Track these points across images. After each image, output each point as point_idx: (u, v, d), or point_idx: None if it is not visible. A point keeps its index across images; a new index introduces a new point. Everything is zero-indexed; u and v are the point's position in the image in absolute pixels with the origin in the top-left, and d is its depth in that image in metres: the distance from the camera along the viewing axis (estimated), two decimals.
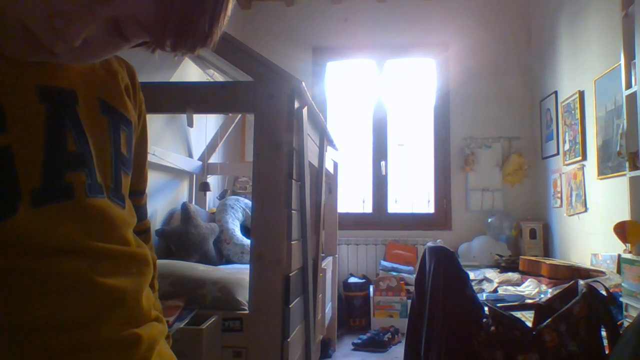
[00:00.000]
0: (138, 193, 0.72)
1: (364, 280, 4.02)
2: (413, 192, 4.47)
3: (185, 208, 2.92)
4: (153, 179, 2.89)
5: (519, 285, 2.81)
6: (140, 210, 0.73)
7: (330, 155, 3.00)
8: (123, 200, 0.61)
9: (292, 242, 1.75)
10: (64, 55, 0.50)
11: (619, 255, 2.46)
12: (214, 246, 2.94)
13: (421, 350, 1.85)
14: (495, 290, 2.74)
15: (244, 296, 1.86)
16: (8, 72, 0.50)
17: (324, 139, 2.65)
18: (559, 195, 3.59)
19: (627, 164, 2.20)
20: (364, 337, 3.42)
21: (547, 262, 2.93)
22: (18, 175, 0.48)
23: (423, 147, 4.45)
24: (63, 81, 0.55)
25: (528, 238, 3.87)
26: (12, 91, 0.50)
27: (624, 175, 2.30)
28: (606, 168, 2.81)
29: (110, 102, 0.60)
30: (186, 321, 1.65)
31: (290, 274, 1.73)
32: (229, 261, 3.01)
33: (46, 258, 0.49)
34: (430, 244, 1.96)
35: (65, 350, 0.50)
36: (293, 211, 1.75)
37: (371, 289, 3.86)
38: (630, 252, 1.96)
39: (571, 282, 1.69)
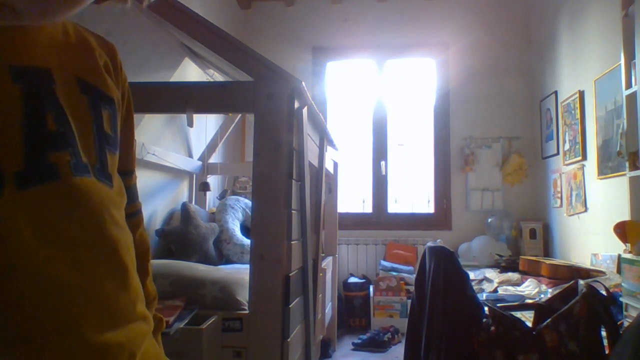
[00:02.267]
0: (127, 173, 0.71)
1: (364, 280, 4.02)
2: (413, 192, 4.47)
3: (185, 208, 2.92)
4: (153, 178, 2.89)
5: (519, 285, 2.81)
6: (130, 191, 0.71)
7: (330, 155, 3.00)
8: (110, 180, 0.59)
9: (292, 242, 1.75)
10: (26, 10, 0.47)
11: (619, 255, 2.46)
12: (214, 246, 2.94)
13: (421, 350, 1.85)
14: (495, 290, 2.74)
15: (244, 296, 1.86)
16: None
17: (324, 139, 2.65)
18: (559, 195, 3.59)
19: (627, 164, 2.20)
20: (364, 337, 3.42)
21: (547, 262, 2.93)
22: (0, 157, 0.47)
23: (423, 147, 4.45)
24: (37, 60, 0.53)
25: (528, 238, 3.87)
26: None
27: (624, 175, 2.30)
28: (606, 168, 2.81)
29: (88, 80, 0.59)
30: (186, 321, 1.65)
31: (290, 274, 1.73)
32: (229, 261, 3.01)
33: (28, 252, 0.48)
34: (430, 244, 1.96)
35: (45, 356, 0.48)
36: (293, 211, 1.75)
37: (371, 289, 3.86)
38: (630, 252, 1.96)
39: (571, 282, 1.69)
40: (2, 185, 0.47)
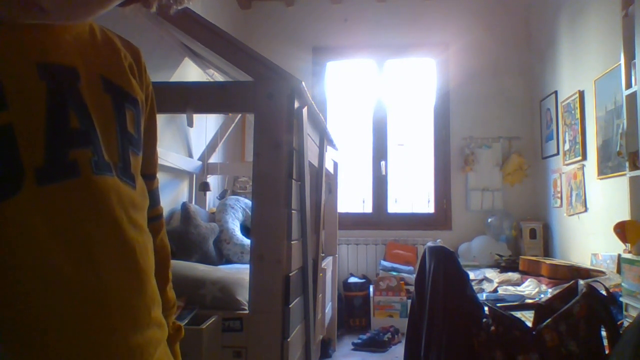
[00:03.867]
0: (149, 177, 0.70)
1: (364, 280, 4.02)
2: (413, 192, 4.47)
3: (185, 208, 2.92)
4: None
5: (519, 285, 2.81)
6: (152, 195, 0.69)
7: (330, 155, 3.00)
8: (134, 180, 0.59)
9: (292, 242, 1.75)
10: (54, 9, 0.49)
11: (619, 255, 2.46)
12: (214, 246, 2.94)
13: (421, 350, 1.85)
14: (495, 290, 2.74)
15: (244, 296, 1.86)
16: (7, 51, 0.49)
17: (324, 139, 2.65)
18: (559, 195, 3.59)
19: (627, 164, 2.20)
20: (364, 337, 3.42)
21: (547, 262, 2.93)
22: (20, 153, 0.47)
23: (423, 147, 4.45)
24: (63, 58, 0.54)
25: (528, 238, 3.87)
26: (12, 69, 0.49)
27: (624, 175, 2.30)
28: (606, 168, 2.81)
29: (113, 80, 0.59)
30: (186, 321, 1.65)
31: (290, 274, 1.73)
32: (229, 261, 3.01)
33: (42, 249, 0.48)
34: (430, 244, 1.96)
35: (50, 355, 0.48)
36: (293, 211, 1.75)
37: (371, 289, 3.86)
38: (630, 252, 1.96)
39: (571, 282, 1.69)
40: (22, 180, 0.47)
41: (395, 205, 4.43)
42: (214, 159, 3.67)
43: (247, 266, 1.76)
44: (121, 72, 0.61)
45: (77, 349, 0.49)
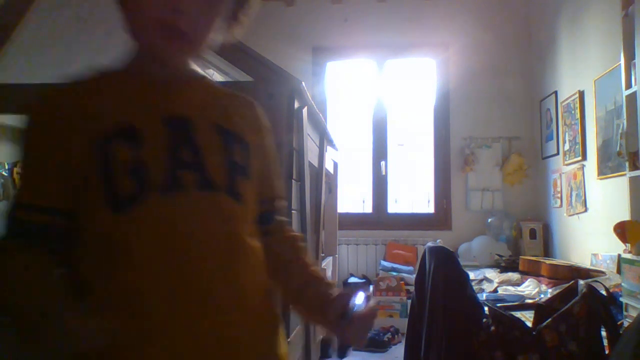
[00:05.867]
0: (269, 199, 0.87)
1: (364, 280, 4.02)
2: (413, 192, 4.48)
3: None
4: None
5: (519, 285, 2.81)
6: (271, 215, 0.86)
7: (330, 155, 2.99)
8: (239, 198, 0.76)
9: None
10: (190, 30, 0.71)
11: (619, 255, 2.46)
12: None
13: (421, 350, 1.85)
14: (495, 290, 2.74)
15: None
16: (141, 105, 0.73)
17: (324, 139, 2.65)
18: (559, 195, 3.59)
19: (627, 164, 2.20)
20: None
21: (547, 262, 2.93)
22: (149, 176, 0.69)
23: (423, 147, 4.45)
24: (181, 111, 0.75)
25: (528, 238, 3.87)
26: (144, 119, 0.72)
27: (624, 175, 2.30)
28: (606, 168, 2.81)
29: (224, 125, 0.78)
30: None
31: None
32: None
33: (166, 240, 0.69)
34: (430, 244, 1.96)
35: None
36: (293, 211, 1.75)
37: (371, 289, 3.86)
38: (630, 252, 1.96)
39: (571, 282, 1.69)
40: (150, 191, 0.69)
41: (395, 205, 4.43)
42: None
43: None
44: (231, 119, 0.80)
45: (179, 333, 0.67)
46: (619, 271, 2.43)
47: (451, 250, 1.85)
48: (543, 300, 2.03)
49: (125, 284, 0.67)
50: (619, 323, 1.64)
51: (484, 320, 1.63)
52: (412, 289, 2.70)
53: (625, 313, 1.85)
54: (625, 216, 2.21)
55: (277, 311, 0.82)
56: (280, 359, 0.79)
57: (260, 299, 0.77)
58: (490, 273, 3.17)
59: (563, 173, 3.50)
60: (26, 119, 0.71)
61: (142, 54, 0.75)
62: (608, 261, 2.72)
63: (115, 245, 0.67)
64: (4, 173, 2.14)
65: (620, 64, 2.27)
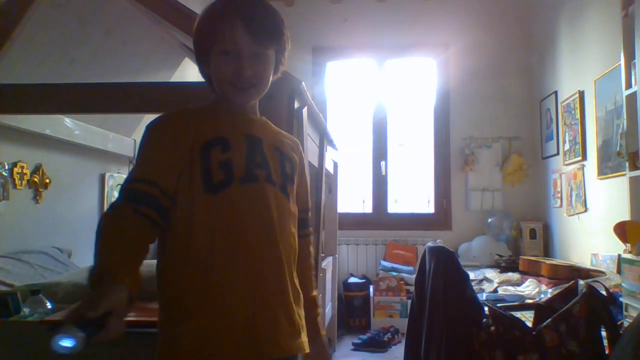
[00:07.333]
0: (303, 209, 1.17)
1: (364, 280, 4.02)
2: (413, 192, 4.48)
3: None
4: None
5: (519, 285, 2.81)
6: (303, 222, 1.17)
7: (330, 155, 2.99)
8: (288, 196, 1.08)
9: None
10: (250, 85, 1.05)
11: (619, 255, 2.46)
12: None
13: (421, 351, 1.85)
14: (495, 290, 2.74)
15: None
16: (230, 125, 1.06)
17: (324, 139, 2.65)
18: (559, 195, 3.59)
19: (627, 164, 2.20)
20: (364, 337, 3.43)
21: (547, 262, 2.93)
22: (234, 170, 1.01)
23: (423, 147, 4.45)
24: (255, 132, 1.09)
25: (528, 238, 3.87)
26: (232, 135, 1.04)
27: (624, 175, 2.30)
28: (606, 168, 2.81)
29: (279, 147, 1.12)
30: None
31: None
32: None
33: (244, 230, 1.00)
34: (430, 244, 1.96)
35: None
36: None
37: (371, 289, 3.86)
38: (630, 252, 1.96)
39: (571, 282, 1.69)
40: (234, 181, 1.00)
41: (395, 205, 4.43)
42: None
43: None
44: (284, 145, 1.14)
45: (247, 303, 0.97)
46: (619, 271, 2.43)
47: (451, 250, 1.85)
48: (543, 300, 2.03)
49: (198, 245, 0.96)
50: (619, 323, 1.64)
51: (484, 320, 1.63)
52: (412, 289, 2.70)
53: (625, 313, 1.85)
54: (625, 216, 2.21)
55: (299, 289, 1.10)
56: (299, 320, 1.05)
57: (290, 274, 1.05)
58: (490, 273, 3.17)
59: (563, 173, 3.50)
60: (148, 130, 1.02)
61: (222, 99, 1.08)
62: (608, 261, 2.72)
63: (192, 224, 0.97)
64: (4, 173, 2.14)
65: (620, 64, 2.27)
